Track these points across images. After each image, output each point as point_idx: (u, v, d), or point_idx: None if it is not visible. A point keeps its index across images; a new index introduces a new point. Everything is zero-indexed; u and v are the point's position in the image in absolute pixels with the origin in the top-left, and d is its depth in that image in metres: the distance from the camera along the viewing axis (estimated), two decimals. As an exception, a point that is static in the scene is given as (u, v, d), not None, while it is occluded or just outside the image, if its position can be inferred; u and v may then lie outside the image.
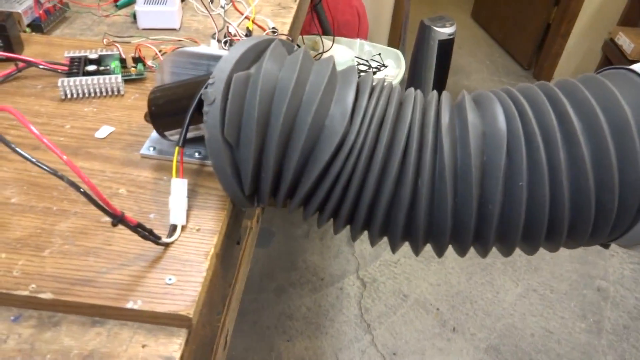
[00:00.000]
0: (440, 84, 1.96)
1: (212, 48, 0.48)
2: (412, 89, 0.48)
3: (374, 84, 0.46)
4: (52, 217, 0.42)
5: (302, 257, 1.63)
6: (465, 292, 1.51)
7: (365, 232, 0.48)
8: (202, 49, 0.47)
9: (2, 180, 0.46)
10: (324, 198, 0.44)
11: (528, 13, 2.56)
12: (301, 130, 0.41)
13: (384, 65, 1.54)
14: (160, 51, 0.62)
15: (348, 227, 0.47)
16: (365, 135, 0.42)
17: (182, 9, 0.79)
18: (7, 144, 0.34)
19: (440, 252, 0.46)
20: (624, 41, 2.08)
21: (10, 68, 0.58)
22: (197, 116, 0.44)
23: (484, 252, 0.46)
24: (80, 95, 0.56)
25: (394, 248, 0.47)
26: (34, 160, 0.34)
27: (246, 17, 0.80)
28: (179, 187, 0.43)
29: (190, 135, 0.46)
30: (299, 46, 0.49)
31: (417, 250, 0.47)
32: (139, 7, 0.73)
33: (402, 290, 1.50)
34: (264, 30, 0.77)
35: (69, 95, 0.56)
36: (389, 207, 0.43)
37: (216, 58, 0.47)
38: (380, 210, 0.43)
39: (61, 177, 0.34)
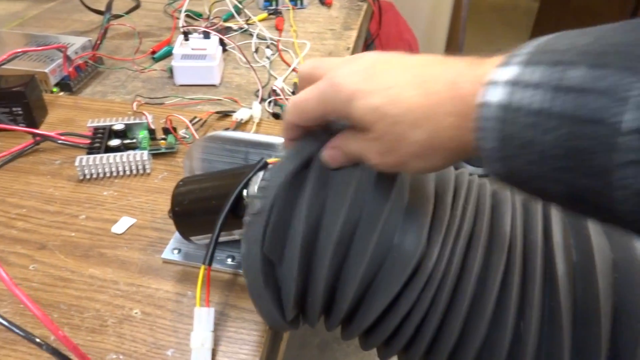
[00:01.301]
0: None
1: (249, 134, 0.39)
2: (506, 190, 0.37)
3: (456, 182, 0.35)
4: (43, 353, 0.34)
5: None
6: None
7: None
8: (238, 133, 0.39)
9: (-3, 292, 0.38)
10: (392, 333, 0.34)
11: (592, 43, 2.39)
12: (362, 251, 0.31)
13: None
14: (192, 120, 0.54)
15: None
16: (448, 261, 0.31)
17: (223, 61, 0.71)
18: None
19: None
20: None
21: (27, 140, 0.52)
22: (232, 220, 0.35)
23: None
24: (101, 175, 0.48)
25: None
26: (8, 325, 0.25)
27: (293, 70, 0.71)
28: (204, 319, 0.33)
29: (221, 239, 0.36)
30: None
31: None
32: (175, 63, 0.65)
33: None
34: (313, 85, 0.68)
35: (87, 176, 0.48)
36: (480, 353, 0.32)
37: (256, 144, 0.38)
38: (467, 356, 0.32)
39: (40, 345, 0.25)
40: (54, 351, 0.25)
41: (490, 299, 0.31)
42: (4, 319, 0.26)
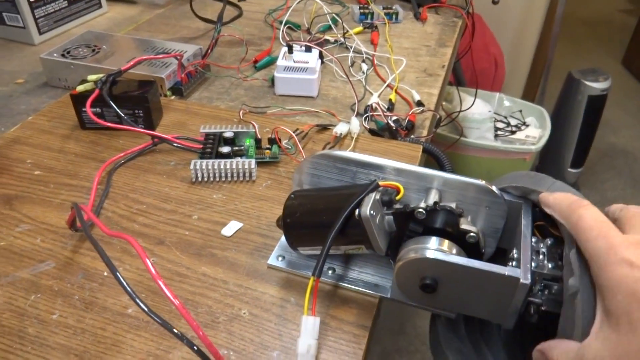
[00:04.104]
0: (585, 143, 1.74)
1: (360, 154, 0.41)
2: None
3: None
4: (167, 340, 0.37)
5: (411, 321, 1.51)
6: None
7: None
8: (349, 153, 0.40)
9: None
10: None
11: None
12: None
13: (524, 124, 1.39)
14: (295, 131, 0.57)
15: None
16: None
17: (321, 72, 0.74)
18: (121, 283, 0.29)
19: None
20: None
21: (147, 141, 0.57)
22: (340, 236, 0.37)
23: None
24: (211, 179, 0.52)
25: None
26: (146, 309, 0.28)
27: (388, 86, 0.73)
28: (310, 326, 0.35)
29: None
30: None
31: None
32: (278, 74, 0.69)
33: None
34: (407, 102, 0.69)
35: (199, 179, 0.52)
36: None
37: (365, 165, 0.40)
38: None
39: (180, 338, 0.28)
40: (191, 343, 0.28)
41: None
42: (149, 309, 0.29)
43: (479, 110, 1.37)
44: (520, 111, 1.47)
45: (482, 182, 0.38)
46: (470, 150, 1.42)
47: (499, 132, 1.44)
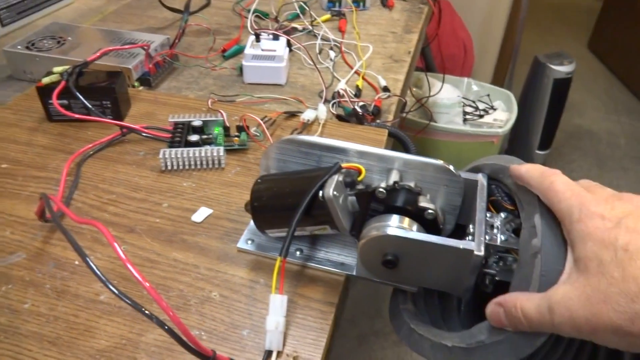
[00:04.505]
0: (551, 125, 1.79)
1: (324, 138, 0.42)
2: None
3: None
4: (139, 324, 0.38)
5: (387, 304, 1.53)
6: None
7: None
8: (314, 138, 0.42)
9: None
10: None
11: (657, 46, 2.30)
12: None
13: (492, 108, 1.42)
14: (263, 119, 0.58)
15: None
16: None
17: (289, 61, 0.75)
18: (91, 268, 0.30)
19: None
20: None
21: (115, 131, 0.57)
22: (305, 218, 0.39)
23: None
24: (181, 167, 0.53)
25: None
26: (116, 292, 0.29)
27: (356, 72, 0.74)
28: (278, 305, 0.37)
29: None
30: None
31: None
32: (246, 62, 0.69)
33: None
34: (374, 88, 0.71)
35: (169, 167, 0.53)
36: None
37: (329, 148, 0.42)
38: None
39: (150, 317, 0.29)
40: (161, 323, 0.29)
41: None
42: (120, 292, 0.30)
43: (448, 95, 1.40)
44: (488, 95, 1.50)
45: (440, 162, 0.39)
46: (439, 135, 1.45)
47: (467, 117, 1.47)
